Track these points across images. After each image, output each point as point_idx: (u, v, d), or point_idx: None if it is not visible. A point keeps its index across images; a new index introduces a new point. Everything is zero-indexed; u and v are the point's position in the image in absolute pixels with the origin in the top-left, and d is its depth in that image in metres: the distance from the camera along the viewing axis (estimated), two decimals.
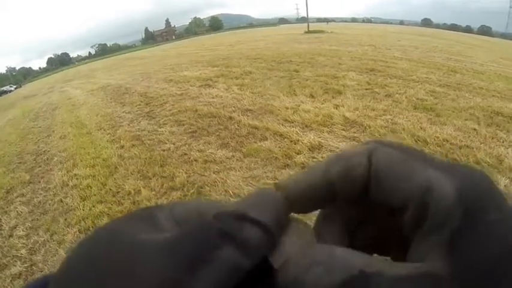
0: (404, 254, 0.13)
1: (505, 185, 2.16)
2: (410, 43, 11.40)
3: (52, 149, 4.46)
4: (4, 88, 35.52)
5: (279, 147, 3.04)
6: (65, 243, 2.26)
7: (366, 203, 0.15)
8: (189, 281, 0.11)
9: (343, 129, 3.30)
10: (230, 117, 4.04)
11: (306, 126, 3.48)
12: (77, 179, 3.22)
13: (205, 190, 2.53)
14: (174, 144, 3.55)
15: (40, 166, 3.89)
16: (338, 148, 2.89)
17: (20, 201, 3.07)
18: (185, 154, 3.24)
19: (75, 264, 0.12)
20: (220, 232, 0.12)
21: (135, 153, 3.49)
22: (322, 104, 4.17)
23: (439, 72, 5.75)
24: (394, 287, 0.11)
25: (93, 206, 2.63)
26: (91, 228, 2.35)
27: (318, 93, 4.66)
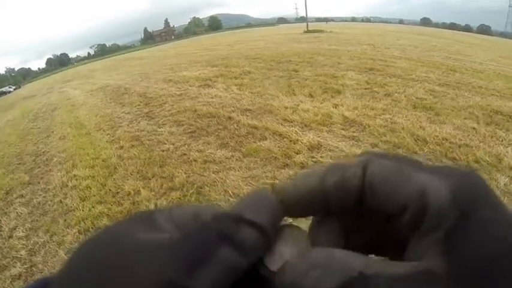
0: (401, 256, 0.13)
1: (504, 184, 2.16)
2: (410, 42, 11.41)
3: (51, 149, 4.46)
4: (3, 89, 35.47)
5: (278, 146, 3.04)
6: (65, 244, 2.25)
7: (361, 210, 0.15)
8: (188, 281, 0.11)
9: (342, 129, 3.30)
10: (229, 117, 4.04)
11: (305, 125, 3.48)
12: (76, 179, 3.22)
13: (205, 190, 2.53)
14: (173, 144, 3.55)
15: (39, 167, 3.89)
16: (337, 147, 2.89)
17: (19, 202, 3.07)
18: (184, 154, 3.24)
19: (76, 265, 0.13)
20: (219, 233, 0.13)
21: (134, 154, 3.48)
22: (322, 103, 4.17)
23: (438, 71, 5.76)
24: (392, 286, 0.11)
25: (93, 207, 2.62)
26: (91, 229, 2.35)
27: (317, 92, 4.67)
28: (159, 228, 0.14)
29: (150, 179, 2.87)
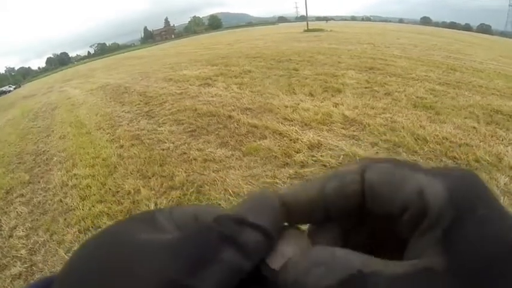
0: (400, 255, 0.14)
1: (504, 183, 2.16)
2: (410, 41, 11.40)
3: (51, 149, 4.46)
4: (3, 88, 35.43)
5: (279, 145, 3.04)
6: (65, 243, 2.26)
7: (361, 214, 0.15)
8: (191, 280, 0.11)
9: (342, 128, 3.30)
10: (229, 116, 4.04)
11: (306, 124, 3.48)
12: (76, 178, 3.22)
13: (205, 189, 2.53)
14: (173, 143, 3.55)
15: (39, 166, 3.89)
16: (337, 146, 2.89)
17: (19, 201, 3.07)
18: (184, 153, 3.24)
19: (77, 265, 0.13)
20: (221, 235, 0.13)
21: (134, 153, 3.48)
22: (322, 102, 4.17)
23: (438, 70, 5.75)
24: (391, 285, 0.11)
25: (93, 206, 2.63)
26: (91, 228, 2.35)
27: (317, 91, 4.66)
28: (160, 228, 0.14)
29: (150, 178, 2.88)
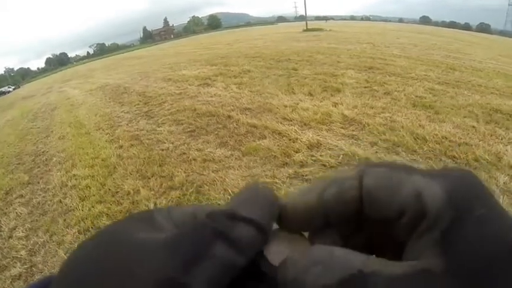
0: (399, 257, 0.14)
1: (504, 182, 2.17)
2: (409, 41, 11.40)
3: (51, 149, 4.45)
4: (2, 89, 35.41)
5: (278, 145, 3.04)
6: (65, 243, 2.25)
7: (359, 220, 0.16)
8: (185, 278, 0.11)
9: (341, 127, 3.30)
10: (229, 116, 4.04)
11: (305, 124, 3.48)
12: (76, 179, 3.22)
13: (204, 189, 2.53)
14: (172, 143, 3.55)
15: (39, 167, 3.89)
16: (337, 146, 2.89)
17: (19, 202, 3.07)
18: (184, 153, 3.24)
19: (74, 265, 0.13)
20: (214, 231, 0.13)
21: (134, 153, 3.48)
22: (321, 102, 4.17)
23: (437, 69, 5.76)
24: (391, 286, 0.11)
25: (93, 206, 2.62)
26: (90, 229, 2.35)
27: (317, 91, 4.66)
28: (158, 228, 0.14)
29: (149, 178, 2.87)
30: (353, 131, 3.21)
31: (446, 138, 2.87)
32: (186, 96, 5.52)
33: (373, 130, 3.14)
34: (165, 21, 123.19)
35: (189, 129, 3.88)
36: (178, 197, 2.49)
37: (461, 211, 0.12)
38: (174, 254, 0.12)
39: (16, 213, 2.87)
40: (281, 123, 3.58)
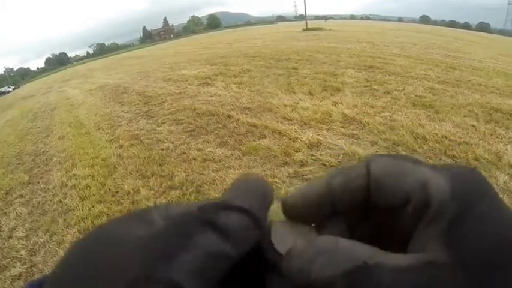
0: (404, 248, 0.14)
1: (504, 182, 2.17)
2: (409, 40, 11.39)
3: (51, 149, 4.45)
4: (2, 89, 35.38)
5: (278, 145, 3.04)
6: (65, 243, 2.26)
7: (366, 209, 0.15)
8: (162, 273, 0.11)
9: (341, 127, 3.30)
10: (229, 116, 4.04)
11: (305, 123, 3.48)
12: (76, 179, 3.22)
13: (204, 189, 2.53)
14: (172, 143, 3.55)
15: (39, 167, 3.89)
16: (337, 145, 2.89)
17: (19, 202, 3.07)
18: (184, 153, 3.24)
19: (64, 265, 0.12)
20: (199, 221, 0.12)
21: (134, 153, 3.48)
22: (321, 101, 4.17)
23: (437, 68, 5.75)
24: (396, 277, 0.11)
25: (93, 206, 2.63)
26: (90, 229, 2.34)
27: (317, 90, 4.66)
28: (150, 224, 0.14)
29: (149, 178, 2.88)
30: (353, 130, 3.21)
31: (446, 137, 2.87)
32: (186, 95, 5.52)
33: (373, 129, 3.14)
34: (165, 21, 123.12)
35: (189, 129, 3.88)
36: (178, 197, 2.50)
37: (466, 205, 0.12)
38: (153, 248, 0.11)
39: (16, 213, 2.87)
40: (281, 122, 3.58)
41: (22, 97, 14.79)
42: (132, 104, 5.78)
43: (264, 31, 25.58)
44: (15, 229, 2.61)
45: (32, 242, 2.38)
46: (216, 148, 3.21)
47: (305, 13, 28.43)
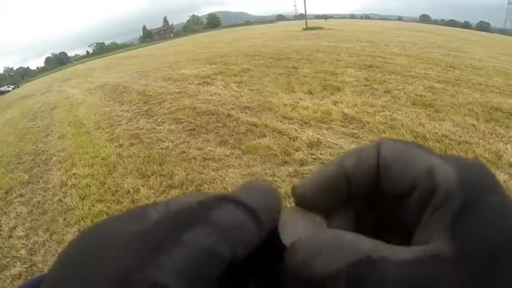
0: (409, 239, 0.14)
1: (503, 181, 2.17)
2: (409, 39, 11.38)
3: (51, 148, 4.45)
4: (2, 88, 35.36)
5: (278, 144, 3.04)
6: (65, 243, 2.26)
7: (374, 195, 0.15)
8: (144, 272, 0.10)
9: (342, 126, 3.30)
10: (229, 115, 4.04)
11: (305, 122, 3.48)
12: (75, 178, 3.22)
13: (204, 188, 2.53)
14: (172, 142, 3.55)
15: (39, 166, 3.89)
16: (337, 144, 2.89)
17: (19, 201, 3.07)
18: (184, 152, 3.24)
19: (61, 265, 0.12)
20: (194, 216, 0.11)
21: (133, 152, 3.48)
22: (321, 100, 4.17)
23: (437, 68, 5.75)
24: (400, 271, 0.11)
25: (93, 205, 2.63)
26: None
27: (317, 89, 4.66)
28: (143, 221, 0.13)
29: (149, 177, 2.88)
30: (353, 129, 3.21)
31: (446, 136, 2.87)
32: (186, 95, 5.52)
33: (373, 128, 3.14)
34: (165, 20, 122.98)
35: (188, 128, 3.88)
36: (178, 196, 2.49)
37: (473, 196, 0.12)
38: (138, 247, 0.11)
39: (16, 212, 2.87)
40: (281, 121, 3.58)
41: (22, 96, 14.78)
42: (132, 103, 5.77)
43: (264, 30, 25.56)
44: (15, 228, 2.61)
45: (32, 241, 2.38)
46: (216, 147, 3.21)
47: (305, 12, 28.42)
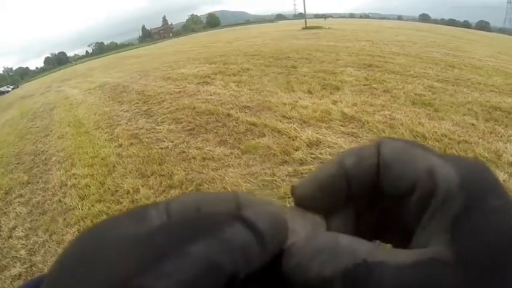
0: (408, 240, 0.14)
1: (503, 180, 2.17)
2: (408, 38, 11.38)
3: (50, 148, 4.45)
4: (1, 89, 35.34)
5: (277, 143, 3.04)
6: (64, 243, 2.26)
7: (374, 194, 0.15)
8: (142, 281, 0.09)
9: (341, 125, 3.30)
10: (228, 114, 4.04)
11: (304, 122, 3.48)
12: (75, 178, 3.22)
13: (204, 187, 2.53)
14: (172, 142, 3.55)
15: (38, 166, 3.89)
16: (336, 144, 2.89)
17: (18, 202, 3.07)
18: (183, 152, 3.24)
19: (61, 266, 0.12)
20: (201, 227, 0.11)
21: (133, 152, 3.48)
22: (320, 100, 4.17)
23: (437, 67, 5.75)
24: (398, 276, 0.10)
25: (92, 206, 2.62)
26: None
27: (316, 89, 4.66)
28: (145, 222, 0.13)
29: (149, 177, 2.87)
30: (352, 128, 3.21)
31: (445, 135, 2.87)
32: (185, 94, 5.52)
33: (373, 128, 3.14)
34: (164, 19, 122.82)
35: (188, 128, 3.88)
36: (178, 196, 2.49)
37: (474, 197, 0.12)
38: (139, 252, 0.10)
39: (16, 212, 2.86)
40: (280, 121, 3.58)
41: (21, 97, 14.77)
42: (132, 103, 5.77)
43: (264, 30, 25.55)
44: (14, 229, 2.61)
45: (31, 241, 2.38)
46: (216, 147, 3.21)
47: (304, 12, 28.43)
